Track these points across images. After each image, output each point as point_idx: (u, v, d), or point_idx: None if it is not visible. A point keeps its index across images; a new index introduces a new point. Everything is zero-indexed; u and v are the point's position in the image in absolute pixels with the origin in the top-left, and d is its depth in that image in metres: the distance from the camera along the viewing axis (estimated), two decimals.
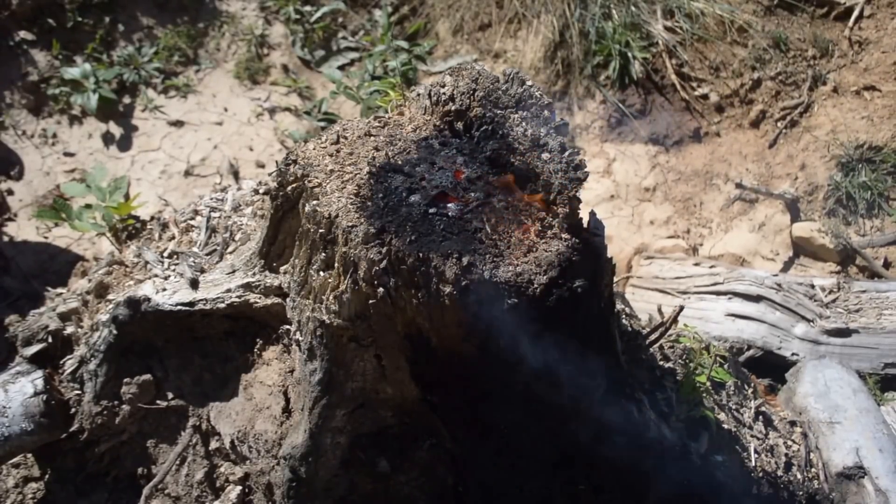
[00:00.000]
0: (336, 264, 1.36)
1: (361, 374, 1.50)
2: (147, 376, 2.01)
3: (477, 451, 1.64)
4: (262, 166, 4.00)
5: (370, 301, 1.31)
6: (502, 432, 1.60)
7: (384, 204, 1.31)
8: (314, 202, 1.36)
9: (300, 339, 1.61)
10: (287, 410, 1.84)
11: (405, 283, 1.27)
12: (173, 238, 2.23)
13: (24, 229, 3.56)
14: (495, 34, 4.45)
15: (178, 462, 2.02)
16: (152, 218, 2.64)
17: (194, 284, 1.94)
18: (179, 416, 2.03)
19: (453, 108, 1.48)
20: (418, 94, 1.59)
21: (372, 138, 1.49)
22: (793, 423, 2.46)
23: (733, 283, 3.03)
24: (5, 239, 3.48)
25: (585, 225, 1.48)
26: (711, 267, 3.18)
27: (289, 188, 1.56)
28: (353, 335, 1.42)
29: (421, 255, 1.23)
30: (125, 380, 2.01)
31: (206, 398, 1.99)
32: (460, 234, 1.27)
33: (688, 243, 3.65)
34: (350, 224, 1.29)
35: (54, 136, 3.93)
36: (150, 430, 2.08)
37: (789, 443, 2.34)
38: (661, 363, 2.19)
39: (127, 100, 4.16)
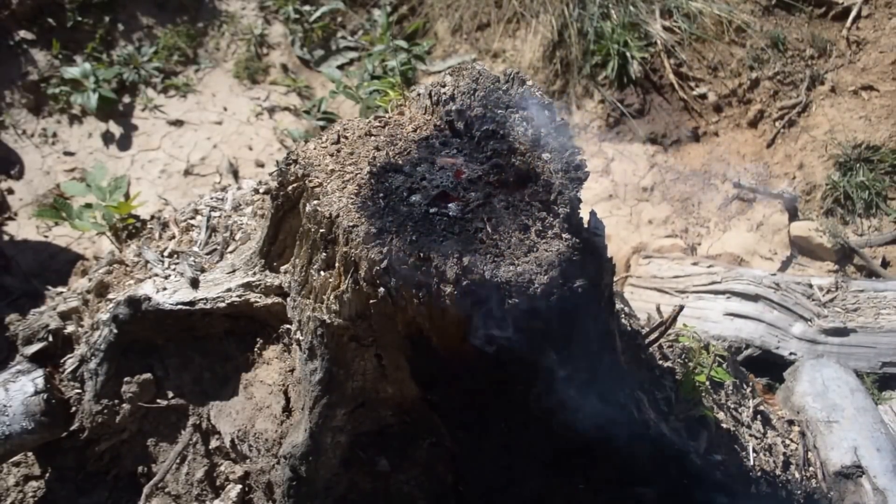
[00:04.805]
0: (337, 264, 1.36)
1: (362, 374, 1.51)
2: (147, 375, 2.01)
3: (477, 450, 1.65)
4: (262, 165, 4.00)
5: (371, 301, 1.32)
6: (502, 432, 1.60)
7: (385, 204, 1.31)
8: (315, 202, 1.36)
9: (301, 338, 1.61)
10: (287, 409, 1.84)
11: (406, 283, 1.27)
12: (173, 237, 2.23)
13: (25, 228, 3.56)
14: (494, 34, 4.45)
15: (178, 461, 2.02)
16: (152, 217, 2.65)
17: (194, 284, 1.94)
18: (180, 414, 2.04)
19: (454, 107, 1.48)
20: (418, 94, 1.59)
21: (372, 138, 1.49)
22: (791, 423, 2.46)
23: (731, 283, 3.04)
24: (5, 238, 3.48)
25: (586, 224, 1.49)
26: (709, 266, 3.19)
27: (289, 188, 1.56)
28: (353, 335, 1.42)
29: (422, 254, 1.24)
30: (125, 378, 2.02)
31: (207, 397, 1.99)
32: (461, 233, 1.27)
33: (686, 243, 3.66)
34: (351, 224, 1.29)
35: (54, 135, 3.93)
36: (151, 429, 2.09)
37: (787, 442, 2.35)
38: (660, 362, 2.20)
39: (127, 99, 4.16)
